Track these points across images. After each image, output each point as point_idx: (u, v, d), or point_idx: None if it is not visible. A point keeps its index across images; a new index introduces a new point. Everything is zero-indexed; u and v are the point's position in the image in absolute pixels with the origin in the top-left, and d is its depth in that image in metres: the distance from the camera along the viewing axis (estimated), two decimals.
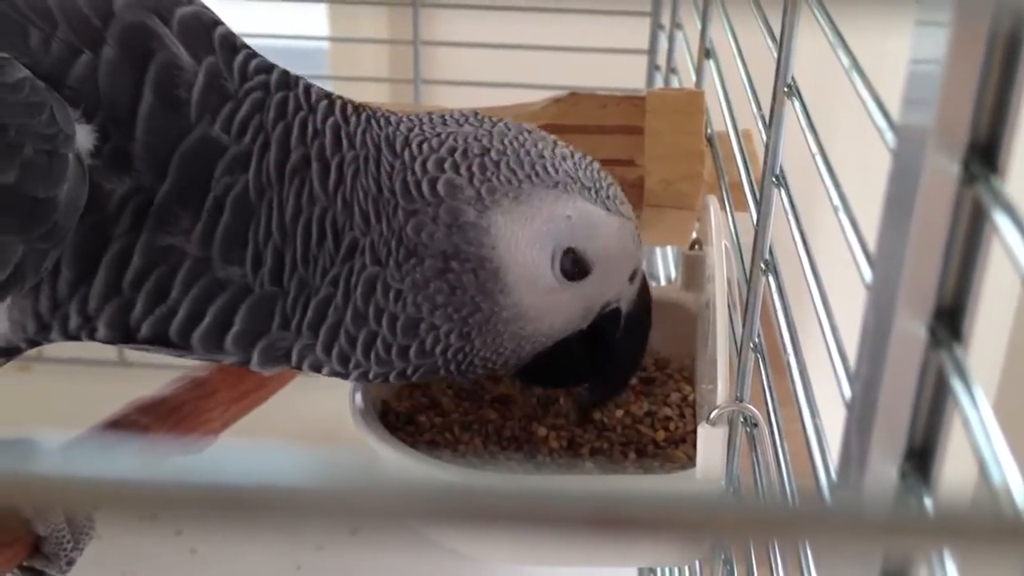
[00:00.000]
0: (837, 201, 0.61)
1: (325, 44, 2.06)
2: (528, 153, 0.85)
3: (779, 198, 0.77)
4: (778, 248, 0.79)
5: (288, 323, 0.82)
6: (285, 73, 0.85)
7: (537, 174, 0.84)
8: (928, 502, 0.40)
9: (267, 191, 0.80)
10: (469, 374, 0.88)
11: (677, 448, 0.93)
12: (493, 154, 0.84)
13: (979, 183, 0.38)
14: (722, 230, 0.93)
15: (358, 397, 0.95)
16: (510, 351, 0.87)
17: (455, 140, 0.84)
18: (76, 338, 0.83)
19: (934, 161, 0.38)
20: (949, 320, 0.40)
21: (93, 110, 0.76)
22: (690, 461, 0.89)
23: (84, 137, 0.76)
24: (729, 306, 0.86)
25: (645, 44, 1.77)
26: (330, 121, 0.83)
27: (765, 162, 0.78)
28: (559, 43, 1.73)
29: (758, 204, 0.80)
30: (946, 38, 0.36)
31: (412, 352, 0.84)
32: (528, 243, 0.84)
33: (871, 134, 0.53)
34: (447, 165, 0.83)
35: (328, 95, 0.85)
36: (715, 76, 1.14)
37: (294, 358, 0.85)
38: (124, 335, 0.82)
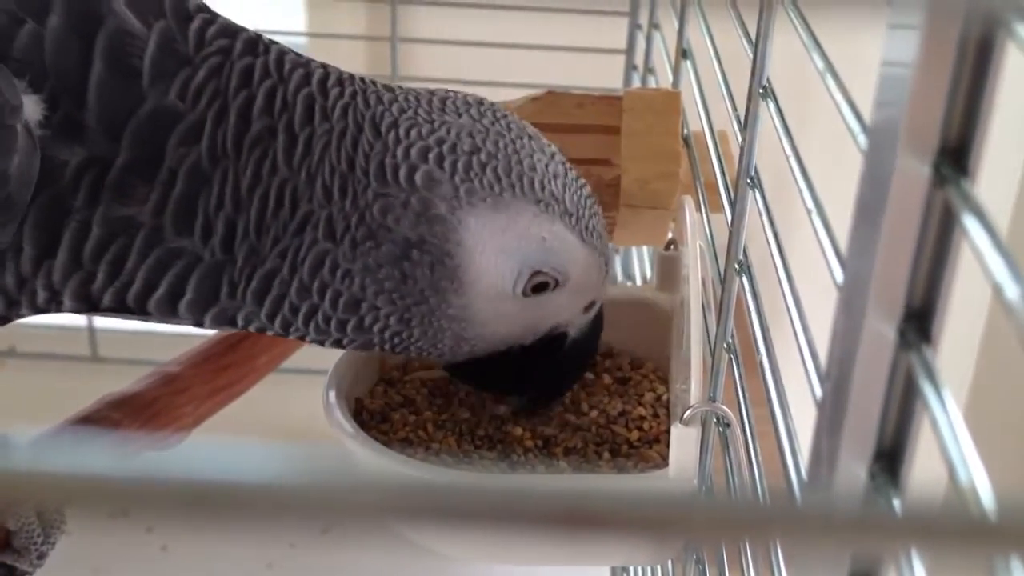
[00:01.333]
0: (810, 203, 0.61)
1: (303, 39, 2.05)
2: (520, 162, 0.83)
3: (753, 199, 0.77)
4: (752, 249, 0.80)
5: (235, 291, 0.81)
6: (254, 40, 0.82)
7: (522, 187, 0.82)
8: (897, 502, 0.41)
9: (222, 160, 0.78)
10: (403, 355, 0.88)
11: (651, 448, 0.93)
12: (482, 155, 0.82)
13: (949, 185, 0.38)
14: (697, 230, 0.94)
15: (331, 394, 0.94)
16: (447, 348, 0.86)
17: (447, 131, 0.82)
18: (46, 311, 0.82)
19: (905, 163, 0.38)
20: (919, 322, 0.40)
21: (40, 81, 0.75)
22: (663, 461, 0.89)
23: (32, 108, 0.74)
24: (703, 306, 0.86)
25: (623, 44, 1.77)
26: (303, 92, 0.80)
27: (740, 163, 0.79)
28: (537, 41, 1.74)
29: (733, 205, 0.81)
30: (918, 41, 0.36)
31: (350, 327, 0.83)
32: (495, 252, 0.82)
33: (844, 136, 0.54)
34: (431, 156, 0.81)
35: (307, 64, 0.83)
36: (692, 77, 1.14)
37: (240, 322, 0.84)
38: (88, 305, 0.82)
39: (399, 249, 0.80)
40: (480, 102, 0.85)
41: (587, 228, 0.85)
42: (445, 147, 0.81)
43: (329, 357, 0.98)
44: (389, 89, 0.84)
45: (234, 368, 1.11)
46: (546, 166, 0.84)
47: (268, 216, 0.79)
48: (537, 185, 0.83)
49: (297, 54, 0.84)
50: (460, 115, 0.83)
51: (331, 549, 1.80)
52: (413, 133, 0.81)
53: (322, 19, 2.09)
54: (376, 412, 0.97)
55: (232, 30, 0.82)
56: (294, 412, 1.56)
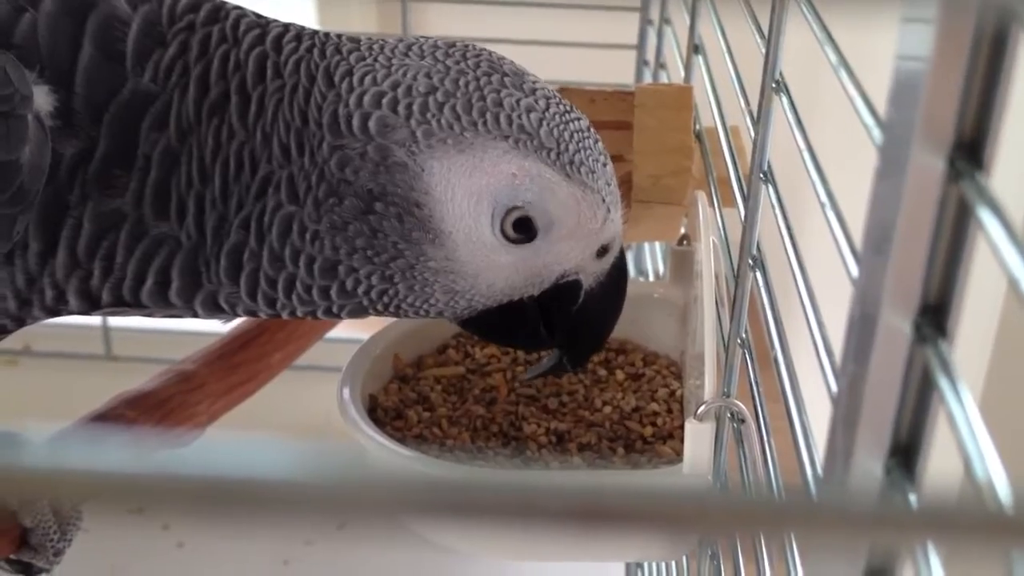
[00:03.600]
0: (824, 197, 0.61)
1: None
2: (483, 99, 0.77)
3: (767, 194, 0.77)
4: (765, 244, 0.79)
5: (210, 271, 0.79)
6: (216, 7, 0.79)
7: (486, 123, 0.76)
8: (913, 497, 0.41)
9: (188, 136, 0.76)
10: (400, 315, 0.84)
11: (665, 443, 0.93)
12: (439, 95, 0.76)
13: (964, 180, 0.38)
14: (710, 226, 0.93)
15: (346, 392, 0.94)
16: (443, 303, 0.82)
17: (403, 75, 0.77)
18: (56, 313, 0.81)
19: (920, 158, 0.38)
20: (935, 316, 0.40)
21: (45, 69, 0.74)
22: (678, 456, 0.89)
23: (43, 98, 0.73)
24: (717, 302, 0.86)
25: (634, 39, 1.77)
26: (256, 52, 0.78)
27: (753, 158, 0.78)
28: (548, 38, 1.73)
29: (746, 200, 0.80)
30: (932, 35, 0.36)
31: (333, 292, 0.80)
32: (465, 195, 0.77)
33: (858, 130, 0.53)
34: (384, 101, 0.76)
35: (265, 24, 0.80)
36: (703, 72, 1.14)
37: (224, 305, 0.81)
38: (90, 303, 0.80)
39: (362, 203, 0.77)
40: (451, 44, 0.80)
41: (572, 162, 0.79)
42: (399, 91, 0.76)
43: (343, 354, 0.99)
44: (353, 40, 0.80)
45: (248, 365, 1.11)
46: (517, 101, 0.78)
47: (230, 183, 0.76)
48: (503, 120, 0.77)
49: (259, 16, 0.81)
50: (423, 57, 0.78)
51: (347, 545, 1.80)
52: (367, 80, 0.77)
53: (333, 18, 2.09)
54: (390, 409, 0.97)
55: (198, 2, 0.79)
56: (308, 409, 1.57)
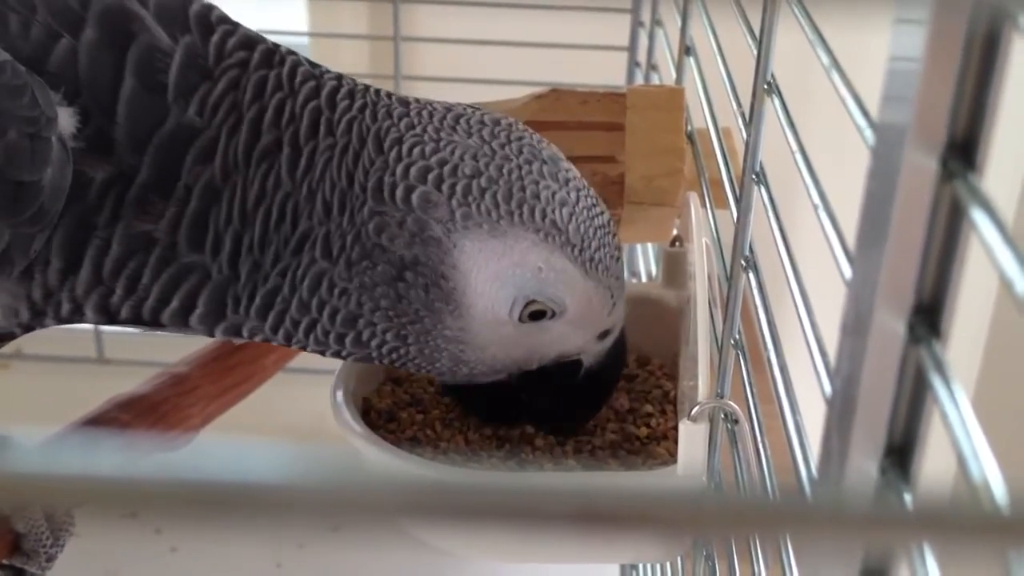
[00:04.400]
0: (817, 198, 0.61)
1: (305, 39, 2.06)
2: (523, 189, 0.81)
3: (759, 195, 0.77)
4: (758, 245, 0.80)
5: (239, 307, 0.82)
6: (271, 51, 0.82)
7: (522, 215, 0.80)
8: (908, 497, 0.41)
9: (233, 174, 0.79)
10: (402, 368, 0.88)
11: (659, 445, 0.93)
12: (483, 180, 0.80)
13: (957, 180, 0.38)
14: (702, 227, 0.93)
15: (339, 394, 0.94)
16: (446, 367, 0.86)
17: (451, 152, 0.80)
18: (69, 322, 0.83)
19: (912, 158, 0.38)
20: (928, 316, 0.40)
21: (74, 93, 0.76)
22: (672, 457, 0.89)
23: (66, 120, 0.75)
24: (710, 303, 0.86)
25: (625, 41, 1.77)
26: (311, 105, 0.80)
27: (745, 159, 0.78)
28: (540, 39, 1.74)
29: (738, 201, 0.80)
30: (924, 35, 0.36)
31: (348, 340, 0.84)
32: (490, 279, 0.81)
33: (850, 131, 0.54)
34: (430, 177, 0.79)
35: (320, 76, 0.82)
36: (695, 73, 1.14)
37: (245, 334, 0.85)
38: (108, 318, 0.83)
39: (394, 269, 0.80)
40: (497, 122, 0.84)
41: (591, 260, 0.83)
42: (446, 169, 0.80)
43: None
44: (403, 103, 0.83)
45: (242, 368, 1.11)
46: (553, 194, 0.82)
47: (271, 231, 0.79)
48: (538, 214, 0.81)
49: (313, 65, 0.84)
50: (470, 135, 0.82)
51: (340, 548, 1.80)
52: (416, 152, 0.80)
53: (324, 19, 2.09)
54: (384, 411, 0.97)
55: (251, 41, 0.82)
56: (302, 412, 1.56)
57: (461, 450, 0.93)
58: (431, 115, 0.82)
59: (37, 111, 0.72)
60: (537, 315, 0.84)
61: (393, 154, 0.80)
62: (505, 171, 0.81)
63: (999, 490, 0.36)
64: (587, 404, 0.93)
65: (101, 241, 0.78)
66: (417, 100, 0.84)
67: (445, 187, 0.79)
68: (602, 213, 0.85)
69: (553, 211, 0.81)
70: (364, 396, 0.98)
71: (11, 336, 0.83)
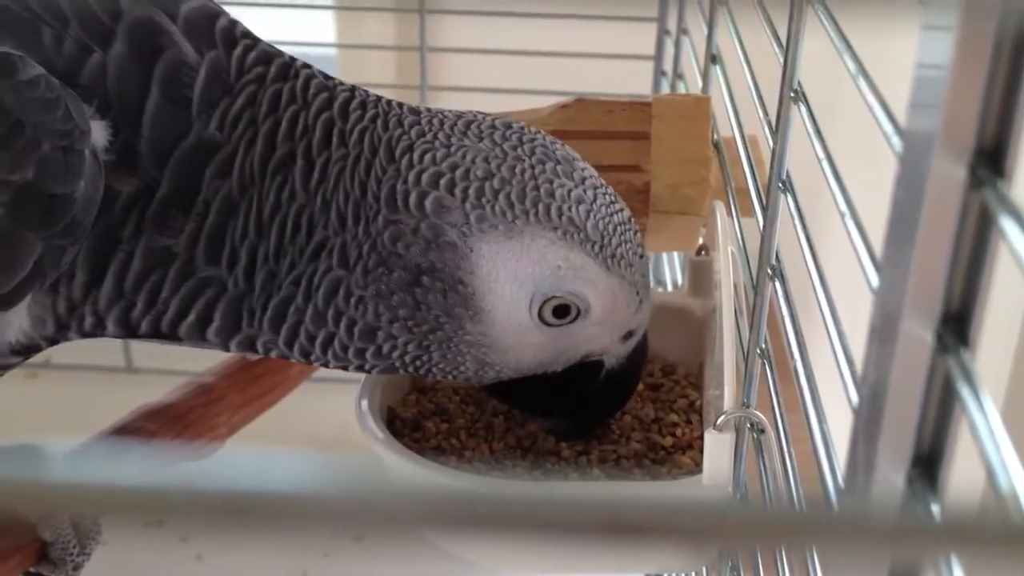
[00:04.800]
0: (843, 206, 0.61)
1: (332, 50, 2.06)
2: (537, 188, 0.80)
3: (785, 203, 0.77)
4: (784, 253, 0.79)
5: (253, 319, 0.82)
6: (287, 64, 0.82)
7: (537, 213, 0.80)
8: (935, 508, 0.40)
9: (249, 188, 0.79)
10: (427, 376, 0.87)
11: (684, 454, 0.93)
12: (495, 182, 0.79)
13: (985, 188, 0.37)
14: (728, 235, 0.93)
15: (364, 403, 0.94)
16: (472, 372, 0.85)
17: (462, 157, 0.80)
18: (92, 335, 0.84)
19: (940, 166, 0.38)
20: (956, 325, 0.40)
21: (106, 107, 0.76)
22: (697, 467, 0.89)
23: (99, 133, 0.76)
24: (736, 312, 0.86)
25: (651, 50, 1.77)
26: (323, 117, 0.80)
27: (771, 167, 0.78)
28: (566, 49, 1.73)
29: (764, 210, 0.80)
30: (952, 43, 0.36)
31: (369, 354, 0.83)
32: (508, 280, 0.80)
33: (877, 139, 0.53)
34: (442, 182, 0.79)
35: (333, 87, 0.83)
36: (721, 81, 1.14)
37: (260, 349, 0.84)
38: (128, 331, 0.83)
39: (410, 276, 0.80)
40: (508, 125, 0.83)
41: (613, 256, 0.82)
42: (458, 173, 0.79)
43: None
44: (415, 112, 0.83)
45: (267, 378, 1.12)
46: (568, 192, 0.81)
47: (286, 243, 0.80)
48: (554, 211, 0.80)
49: (327, 77, 0.84)
50: (481, 139, 0.81)
51: (365, 557, 1.80)
52: (427, 158, 0.80)
53: (352, 30, 2.10)
54: (409, 420, 0.97)
55: (269, 56, 0.82)
56: (327, 421, 1.57)
57: (486, 460, 0.93)
58: (442, 122, 0.82)
59: (71, 124, 0.73)
60: (561, 313, 0.83)
61: (405, 162, 0.80)
62: (518, 171, 0.80)
63: None
64: (606, 407, 0.93)
65: (124, 255, 0.79)
66: (428, 109, 0.84)
67: (458, 191, 0.79)
68: (622, 210, 0.84)
69: (570, 208, 0.81)
70: (389, 405, 0.98)
71: (37, 348, 0.84)
